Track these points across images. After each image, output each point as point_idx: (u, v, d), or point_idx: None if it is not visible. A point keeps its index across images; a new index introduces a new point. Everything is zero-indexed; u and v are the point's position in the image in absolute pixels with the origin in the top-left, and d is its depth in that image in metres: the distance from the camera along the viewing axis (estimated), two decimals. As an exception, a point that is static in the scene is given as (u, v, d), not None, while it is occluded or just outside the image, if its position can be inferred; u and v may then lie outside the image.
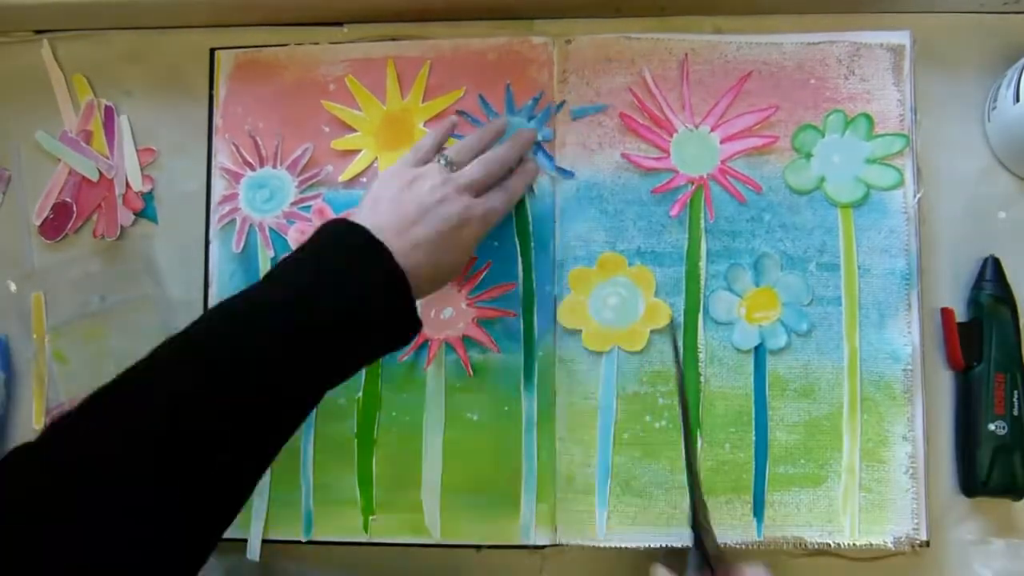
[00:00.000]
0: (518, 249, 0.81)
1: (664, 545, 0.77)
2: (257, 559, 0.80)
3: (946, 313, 0.79)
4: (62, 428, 0.57)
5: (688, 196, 0.80)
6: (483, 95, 0.82)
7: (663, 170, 0.81)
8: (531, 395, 0.79)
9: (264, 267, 0.83)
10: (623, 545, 0.77)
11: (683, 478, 0.77)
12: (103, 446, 0.56)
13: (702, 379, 0.79)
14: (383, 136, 0.83)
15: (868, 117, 0.79)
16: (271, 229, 0.83)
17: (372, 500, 0.80)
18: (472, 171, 0.73)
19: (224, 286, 0.83)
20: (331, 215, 0.82)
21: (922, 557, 0.78)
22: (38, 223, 0.86)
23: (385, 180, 0.71)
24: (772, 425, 0.78)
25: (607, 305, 0.80)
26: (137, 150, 0.87)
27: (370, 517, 0.80)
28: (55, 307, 0.86)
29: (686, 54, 0.81)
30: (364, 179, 0.83)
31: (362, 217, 0.67)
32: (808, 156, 0.80)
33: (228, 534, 0.80)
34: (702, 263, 0.79)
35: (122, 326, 0.85)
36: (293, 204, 0.83)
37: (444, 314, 0.81)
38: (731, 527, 0.77)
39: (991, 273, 0.79)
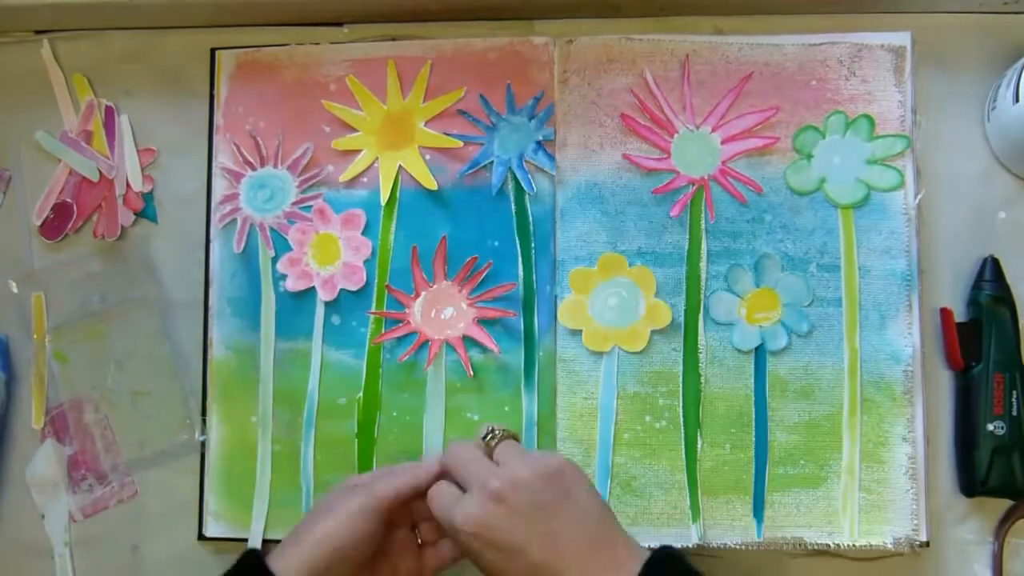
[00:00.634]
0: (519, 249, 0.81)
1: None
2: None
3: (945, 313, 0.79)
4: None
5: (689, 197, 0.80)
6: (484, 95, 0.82)
7: (664, 171, 0.81)
8: (531, 395, 0.79)
9: (264, 267, 0.83)
10: (623, 545, 0.77)
11: (683, 478, 0.77)
12: None
13: (702, 379, 0.79)
14: (384, 136, 0.83)
15: (869, 118, 0.79)
16: (272, 229, 0.83)
17: (372, 500, 0.80)
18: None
19: (225, 286, 0.83)
20: (331, 215, 0.82)
21: (922, 557, 0.78)
22: (38, 223, 0.86)
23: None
24: (772, 426, 0.78)
25: (607, 305, 0.80)
26: (137, 150, 0.87)
27: (371, 517, 0.80)
28: (55, 307, 0.86)
29: (687, 55, 0.81)
30: (365, 179, 0.83)
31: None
32: (809, 157, 0.80)
33: (228, 534, 0.81)
34: (703, 264, 0.80)
35: (122, 326, 0.85)
36: (294, 204, 0.83)
37: (444, 314, 0.81)
38: (731, 527, 0.77)
39: (991, 273, 0.79)
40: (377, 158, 0.83)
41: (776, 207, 0.80)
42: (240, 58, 0.85)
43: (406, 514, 0.72)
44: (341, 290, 0.82)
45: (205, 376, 0.83)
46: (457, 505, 0.64)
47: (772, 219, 0.79)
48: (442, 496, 0.67)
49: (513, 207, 0.81)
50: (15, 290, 0.86)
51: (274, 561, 0.65)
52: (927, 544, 0.76)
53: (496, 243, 0.81)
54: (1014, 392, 0.76)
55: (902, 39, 0.80)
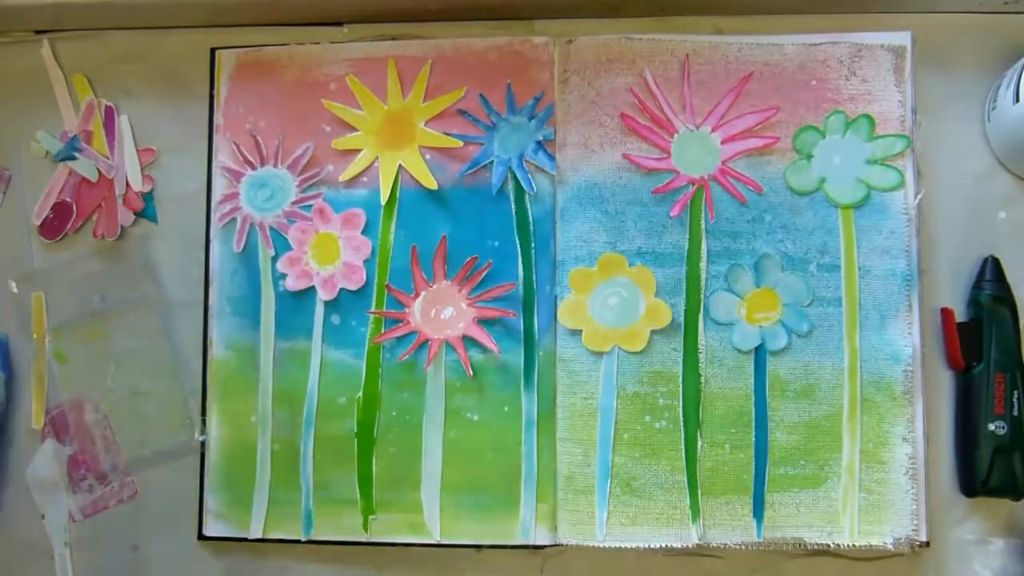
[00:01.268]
0: (518, 249, 0.81)
1: (664, 545, 0.77)
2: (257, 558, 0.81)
3: (946, 313, 0.79)
4: None
5: (689, 197, 0.80)
6: (484, 95, 0.82)
7: (664, 170, 0.81)
8: (531, 395, 0.79)
9: (264, 266, 0.83)
10: (623, 545, 0.77)
11: (683, 478, 0.77)
12: None
13: (702, 379, 0.79)
14: (384, 135, 0.83)
15: (869, 118, 0.79)
16: (272, 228, 0.83)
17: (372, 500, 0.80)
18: None
19: (225, 285, 0.83)
20: (331, 215, 0.82)
21: (922, 557, 0.78)
22: (38, 223, 0.86)
23: None
24: (772, 426, 0.78)
25: (607, 305, 0.80)
26: (137, 150, 0.87)
27: (370, 517, 0.80)
28: (55, 307, 0.86)
29: (687, 55, 0.81)
30: (365, 178, 0.83)
31: None
32: (809, 157, 0.80)
33: (228, 533, 0.81)
34: (703, 264, 0.79)
35: (122, 326, 0.85)
36: (294, 203, 0.83)
37: (444, 314, 0.81)
38: (731, 527, 0.77)
39: (991, 273, 0.79)
40: (377, 158, 0.83)
41: (776, 207, 0.79)
42: (240, 58, 0.85)
43: None
44: (341, 289, 0.82)
45: (205, 376, 0.83)
46: None
47: (772, 219, 0.79)
48: None
49: (513, 207, 0.81)
50: (15, 290, 0.86)
51: None
52: (927, 544, 0.76)
53: (496, 243, 0.81)
54: (1015, 392, 0.76)
55: (902, 39, 0.80)
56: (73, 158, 0.86)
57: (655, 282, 0.79)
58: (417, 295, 0.81)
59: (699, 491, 0.77)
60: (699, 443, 0.78)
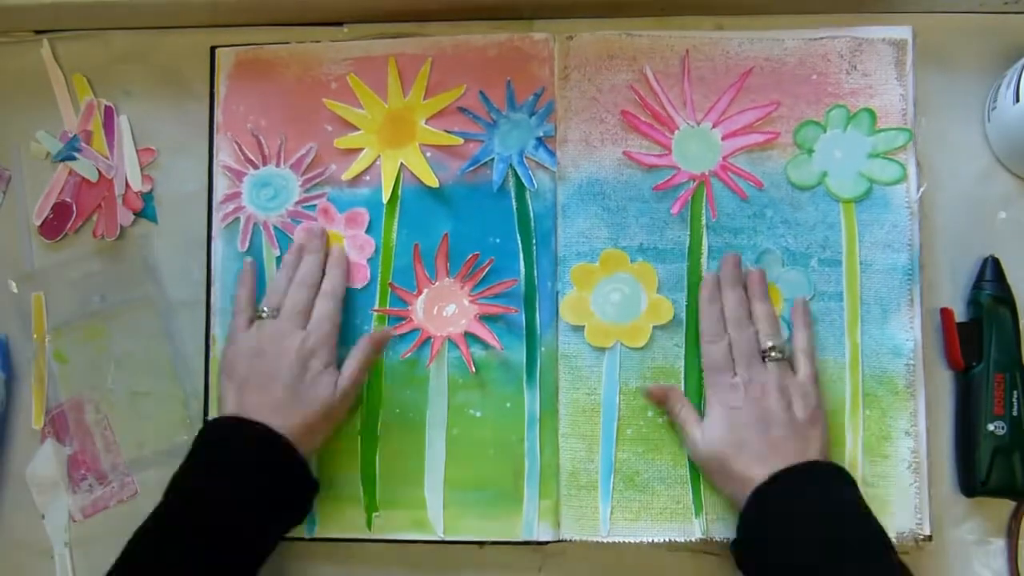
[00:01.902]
0: (520, 246, 0.81)
1: (668, 540, 0.77)
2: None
3: (946, 313, 0.79)
4: None
5: (690, 193, 0.80)
6: (484, 92, 0.83)
7: (665, 167, 0.81)
8: (533, 391, 0.79)
9: (269, 266, 0.83)
10: (626, 540, 0.77)
11: (686, 473, 0.77)
12: None
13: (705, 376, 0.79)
14: (385, 134, 0.83)
15: (870, 112, 0.79)
16: (276, 228, 0.83)
17: (375, 497, 0.80)
18: (292, 301, 0.77)
19: (228, 285, 0.83)
20: (336, 215, 0.82)
21: (923, 556, 0.77)
22: (38, 223, 0.86)
23: (232, 359, 0.76)
24: (775, 420, 0.78)
25: (609, 301, 0.80)
26: (137, 150, 0.87)
27: (373, 514, 0.79)
28: (55, 307, 0.86)
29: (687, 51, 0.82)
30: (367, 177, 0.83)
31: (238, 404, 0.73)
32: (810, 152, 0.80)
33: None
34: (704, 259, 0.80)
35: (122, 326, 0.85)
36: (298, 203, 0.83)
37: (447, 311, 0.81)
38: (734, 522, 0.76)
39: (991, 273, 0.79)
40: (379, 156, 0.83)
41: (777, 202, 0.80)
42: (239, 55, 0.85)
43: None
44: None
45: (207, 375, 0.83)
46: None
47: (773, 214, 0.80)
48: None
49: (514, 204, 0.81)
50: (15, 290, 0.86)
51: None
52: (930, 538, 0.76)
53: (497, 240, 0.81)
54: (1014, 392, 0.76)
55: (903, 33, 0.80)
56: (73, 158, 0.86)
57: (657, 278, 0.79)
58: (420, 293, 0.81)
59: (702, 486, 0.77)
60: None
